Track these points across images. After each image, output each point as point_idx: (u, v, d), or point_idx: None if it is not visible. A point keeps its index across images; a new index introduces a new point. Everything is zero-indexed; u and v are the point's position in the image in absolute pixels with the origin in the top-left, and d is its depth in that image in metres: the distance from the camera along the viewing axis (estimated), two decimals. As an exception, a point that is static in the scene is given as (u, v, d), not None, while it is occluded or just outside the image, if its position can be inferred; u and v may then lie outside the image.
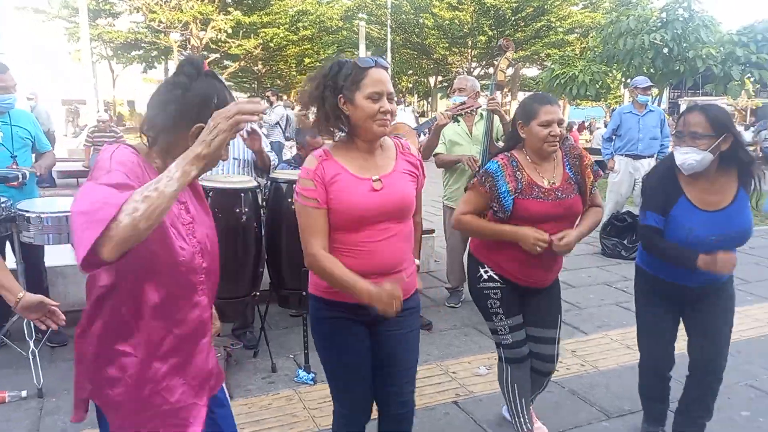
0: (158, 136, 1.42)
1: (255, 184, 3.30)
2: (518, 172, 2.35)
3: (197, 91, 1.38)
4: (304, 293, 3.37)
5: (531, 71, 24.31)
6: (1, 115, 3.50)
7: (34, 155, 3.80)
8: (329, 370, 2.02)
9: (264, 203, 3.43)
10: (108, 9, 18.03)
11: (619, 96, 20.50)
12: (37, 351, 3.10)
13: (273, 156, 3.78)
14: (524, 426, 2.55)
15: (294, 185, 3.22)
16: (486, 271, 2.48)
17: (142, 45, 19.26)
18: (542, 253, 2.29)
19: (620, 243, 6.09)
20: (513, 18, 19.13)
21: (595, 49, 12.35)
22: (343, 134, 1.90)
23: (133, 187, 1.19)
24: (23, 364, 3.16)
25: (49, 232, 3.12)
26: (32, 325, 3.24)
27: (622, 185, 6.27)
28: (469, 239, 2.77)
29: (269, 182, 3.48)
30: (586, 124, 20.68)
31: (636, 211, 6.33)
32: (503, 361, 2.55)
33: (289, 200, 3.26)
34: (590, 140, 16.20)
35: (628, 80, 10.62)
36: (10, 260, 3.33)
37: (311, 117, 1.95)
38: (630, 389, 2.88)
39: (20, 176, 3.31)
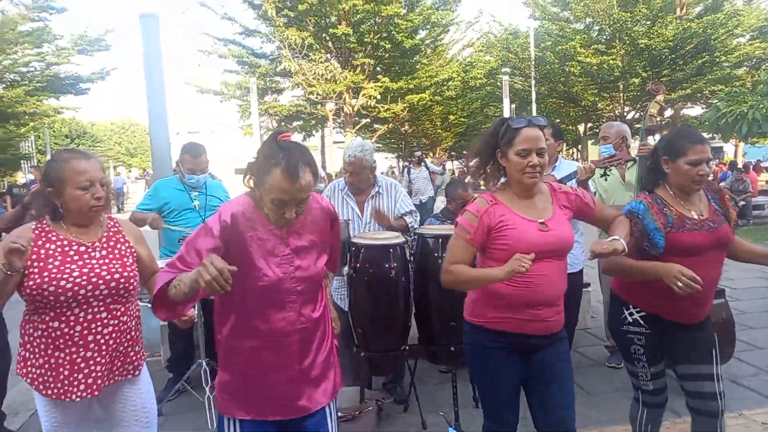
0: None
1: (403, 239, 3.40)
2: (666, 209, 2.33)
3: (260, 153, 1.80)
4: (452, 348, 3.37)
5: (694, 110, 22.46)
6: (199, 188, 4.03)
7: None
8: (482, 393, 2.30)
9: (412, 258, 3.52)
10: (273, 87, 20.15)
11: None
12: (212, 397, 3.41)
13: (410, 220, 3.81)
14: None
15: (440, 240, 3.30)
16: (631, 313, 2.42)
17: (302, 116, 21.13)
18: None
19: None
20: (670, 57, 17.96)
21: (768, 81, 11.03)
22: (503, 181, 2.22)
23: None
24: (200, 409, 3.49)
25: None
26: (209, 372, 3.60)
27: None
28: (610, 278, 2.68)
29: (416, 237, 3.56)
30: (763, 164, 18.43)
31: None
32: (640, 403, 2.52)
33: (436, 255, 3.30)
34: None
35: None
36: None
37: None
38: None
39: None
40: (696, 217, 2.33)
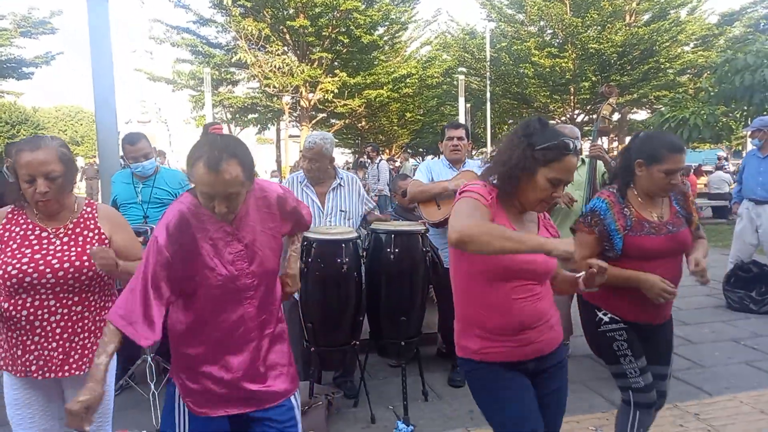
0: None
1: (355, 234, 3.41)
2: (626, 209, 2.29)
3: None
4: (402, 343, 3.41)
5: (640, 115, 23.31)
6: (145, 179, 3.87)
7: None
8: (497, 418, 1.90)
9: (364, 253, 3.54)
10: (228, 78, 19.76)
11: (742, 136, 19.02)
12: (157, 393, 3.34)
13: (375, 211, 3.91)
14: None
15: (392, 236, 3.33)
16: (605, 313, 2.37)
17: (258, 108, 20.80)
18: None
19: (747, 295, 5.55)
20: (618, 62, 18.58)
21: (710, 89, 11.60)
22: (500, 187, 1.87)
23: None
24: (145, 406, 3.41)
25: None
26: (154, 368, 3.52)
27: (745, 232, 5.79)
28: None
29: (369, 233, 3.58)
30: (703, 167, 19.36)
31: (763, 260, 5.79)
32: (633, 405, 2.35)
33: (388, 250, 3.33)
34: (707, 184, 15.11)
35: (750, 120, 9.87)
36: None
37: None
38: (764, 460, 2.57)
39: (149, 230, 3.66)
40: (656, 220, 2.29)
